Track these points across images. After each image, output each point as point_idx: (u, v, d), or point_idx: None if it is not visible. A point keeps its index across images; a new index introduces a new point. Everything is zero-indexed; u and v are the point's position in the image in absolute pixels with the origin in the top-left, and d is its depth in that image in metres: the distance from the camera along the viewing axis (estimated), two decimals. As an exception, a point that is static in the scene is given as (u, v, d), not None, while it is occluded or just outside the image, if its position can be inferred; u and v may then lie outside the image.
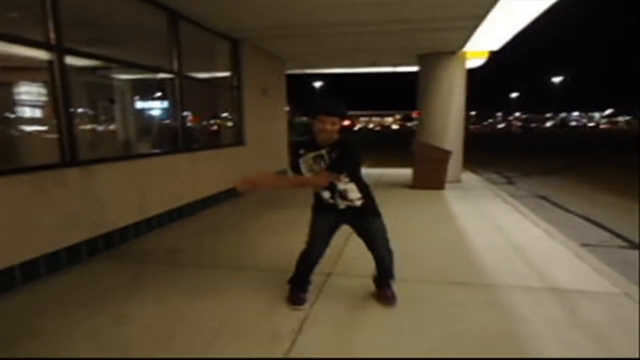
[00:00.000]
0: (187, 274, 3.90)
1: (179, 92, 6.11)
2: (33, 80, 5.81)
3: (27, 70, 5.17)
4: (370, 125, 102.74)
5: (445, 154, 8.42)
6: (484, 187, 9.08)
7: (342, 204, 2.99)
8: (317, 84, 62.00)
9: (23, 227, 3.58)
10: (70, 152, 4.06)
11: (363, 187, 3.03)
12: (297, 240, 3.29)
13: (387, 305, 3.15)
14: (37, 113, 5.77)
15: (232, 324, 2.90)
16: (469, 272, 3.91)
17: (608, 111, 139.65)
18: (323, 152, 2.85)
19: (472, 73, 9.66)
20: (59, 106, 4.02)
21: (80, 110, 6.29)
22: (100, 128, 7.42)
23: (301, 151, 2.93)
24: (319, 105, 2.84)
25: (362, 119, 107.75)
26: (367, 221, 3.08)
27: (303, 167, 2.94)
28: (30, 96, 6.08)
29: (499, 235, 5.08)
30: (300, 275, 3.19)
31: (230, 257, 4.37)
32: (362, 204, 3.01)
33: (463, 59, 9.09)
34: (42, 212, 3.74)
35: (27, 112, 6.06)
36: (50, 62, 3.94)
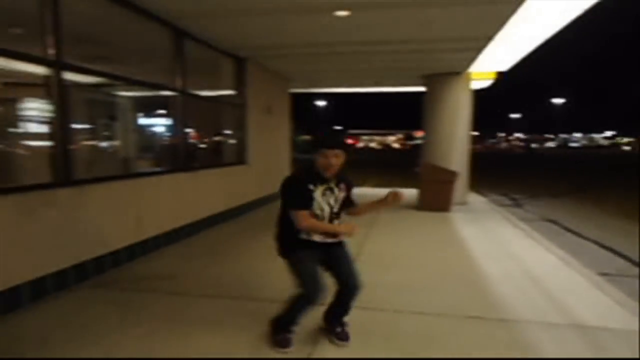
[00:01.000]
0: (183, 304, 3.66)
1: (181, 110, 5.96)
2: (34, 96, 5.69)
3: (29, 86, 5.04)
4: (372, 144, 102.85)
5: (452, 176, 8.23)
6: (491, 209, 8.86)
7: (330, 240, 2.77)
8: (321, 103, 62.37)
9: (5, 251, 3.36)
10: (64, 171, 3.86)
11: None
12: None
13: (343, 343, 2.90)
14: (41, 129, 5.62)
15: (229, 363, 2.66)
16: (484, 304, 3.66)
17: (609, 133, 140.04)
18: (332, 185, 2.74)
19: (476, 94, 9.53)
20: (55, 123, 3.85)
21: (79, 127, 6.15)
22: (104, 145, 7.27)
23: (310, 187, 2.65)
24: (320, 140, 2.66)
25: (364, 137, 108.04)
26: (341, 249, 2.89)
27: (315, 204, 2.66)
28: (33, 112, 5.95)
29: (512, 263, 4.84)
30: (289, 318, 2.84)
31: (230, 285, 4.11)
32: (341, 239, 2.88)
33: (469, 79, 8.97)
34: (28, 235, 3.53)
35: (32, 127, 5.92)
36: (47, 77, 3.79)
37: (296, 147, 13.82)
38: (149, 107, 9.04)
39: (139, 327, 3.14)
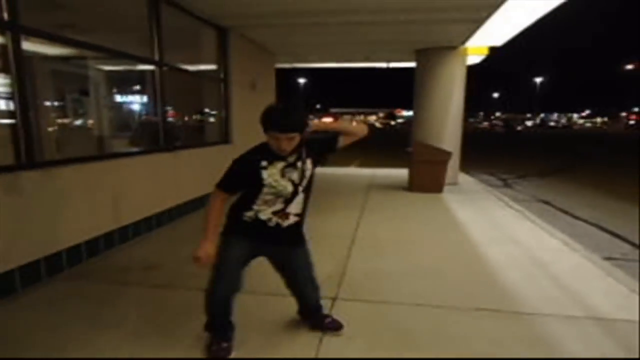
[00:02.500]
0: (166, 298, 3.30)
1: (159, 85, 5.47)
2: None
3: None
4: (354, 124, 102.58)
5: (446, 156, 7.95)
6: (482, 190, 8.65)
7: (284, 222, 2.38)
8: (302, 80, 61.44)
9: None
10: (26, 151, 3.40)
11: (307, 205, 2.48)
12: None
13: (337, 331, 2.71)
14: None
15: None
16: (495, 295, 3.40)
17: (586, 112, 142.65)
18: (292, 160, 2.33)
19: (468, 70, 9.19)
20: (15, 98, 3.37)
21: (47, 103, 5.60)
22: (76, 122, 6.72)
23: (264, 163, 2.27)
24: (270, 121, 2.26)
25: (345, 116, 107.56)
26: (295, 248, 2.52)
27: (268, 181, 2.26)
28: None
29: (515, 248, 4.61)
30: (216, 321, 2.50)
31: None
32: (297, 223, 2.45)
33: (464, 54, 8.62)
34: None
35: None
36: (3, 45, 3.29)
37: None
38: (126, 83, 8.45)
39: (120, 329, 2.78)
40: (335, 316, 2.82)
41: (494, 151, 24.06)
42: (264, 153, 2.31)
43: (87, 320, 2.91)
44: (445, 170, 8.02)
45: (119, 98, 8.82)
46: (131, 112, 8.78)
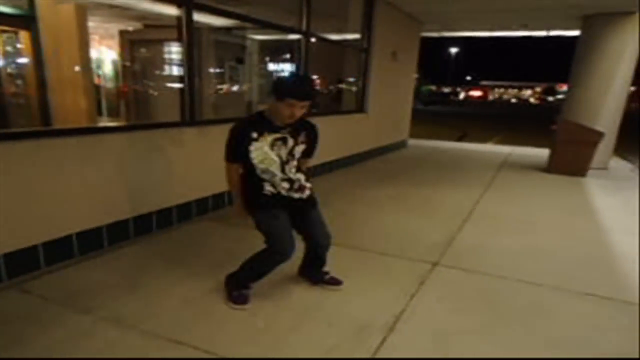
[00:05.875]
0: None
1: (304, 54, 5.84)
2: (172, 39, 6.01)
3: (167, 27, 5.31)
4: (505, 97, 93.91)
5: (595, 136, 6.99)
6: (635, 178, 7.39)
7: (296, 195, 2.55)
8: (453, 50, 58.31)
9: (142, 180, 3.66)
10: (189, 112, 4.03)
11: (308, 174, 2.68)
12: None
13: (337, 284, 2.89)
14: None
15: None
16: (610, 283, 3.14)
17: None
18: (285, 134, 2.43)
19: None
20: (184, 64, 3.98)
21: (210, 70, 6.41)
22: (233, 88, 7.57)
23: (254, 135, 2.37)
24: (288, 89, 2.32)
25: (496, 90, 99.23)
26: (312, 209, 2.67)
27: (256, 154, 2.39)
28: (172, 55, 6.34)
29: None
30: (257, 279, 2.68)
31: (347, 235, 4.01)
32: (310, 194, 2.64)
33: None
34: (155, 168, 3.81)
35: (171, 70, 6.34)
36: (179, 18, 3.89)
37: (419, 97, 13.08)
38: (276, 52, 9.13)
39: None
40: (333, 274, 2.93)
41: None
42: (257, 124, 2.42)
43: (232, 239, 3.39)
44: (593, 153, 7.08)
45: (271, 66, 9.58)
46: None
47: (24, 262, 2.90)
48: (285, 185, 2.50)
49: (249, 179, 2.52)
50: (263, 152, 2.41)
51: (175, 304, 2.62)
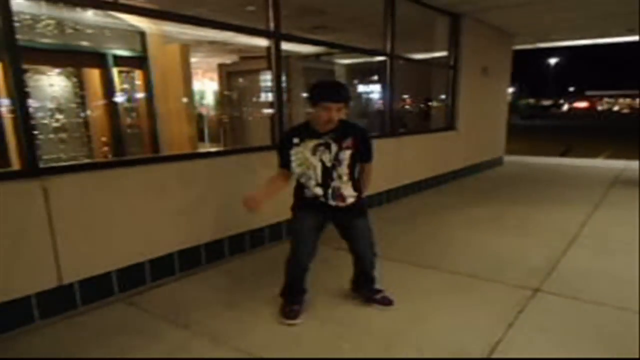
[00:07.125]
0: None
1: (389, 75, 5.86)
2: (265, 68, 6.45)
3: (259, 58, 5.70)
4: (616, 108, 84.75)
5: None
6: None
7: (332, 202, 2.54)
8: (552, 60, 54.59)
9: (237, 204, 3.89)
10: (279, 135, 4.24)
11: (360, 184, 2.67)
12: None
13: (387, 305, 2.79)
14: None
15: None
16: None
17: None
18: (328, 139, 2.47)
19: None
20: (274, 91, 4.22)
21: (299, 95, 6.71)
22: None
23: (295, 140, 2.49)
24: (321, 93, 2.44)
25: (606, 99, 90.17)
26: (354, 220, 2.66)
27: (296, 158, 2.50)
28: (265, 83, 6.79)
29: None
30: (291, 286, 2.75)
31: (430, 255, 3.91)
32: (353, 203, 2.60)
33: None
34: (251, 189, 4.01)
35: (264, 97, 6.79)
36: (268, 49, 4.15)
37: (516, 111, 12.37)
38: (362, 75, 9.29)
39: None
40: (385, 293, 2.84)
41: None
42: (300, 131, 2.53)
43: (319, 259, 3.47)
44: None
45: (360, 88, 9.75)
46: (366, 101, 9.61)
47: (133, 277, 3.21)
48: (319, 191, 2.54)
49: (297, 183, 2.65)
50: (303, 157, 2.50)
51: (268, 324, 2.70)
